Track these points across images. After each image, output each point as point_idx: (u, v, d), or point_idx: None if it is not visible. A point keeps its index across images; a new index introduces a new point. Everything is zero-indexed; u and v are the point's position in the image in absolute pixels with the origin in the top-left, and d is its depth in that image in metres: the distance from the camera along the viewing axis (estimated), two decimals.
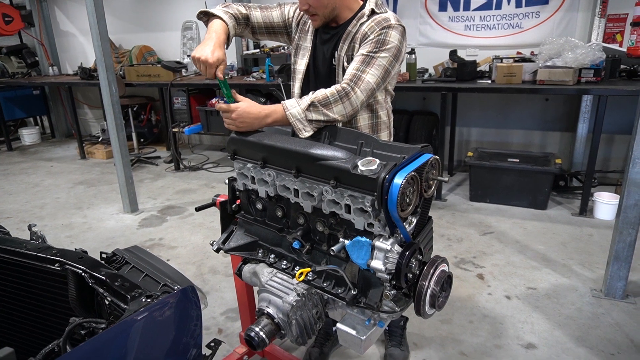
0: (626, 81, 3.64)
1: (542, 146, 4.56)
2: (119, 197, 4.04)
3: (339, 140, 1.39)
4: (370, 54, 1.46)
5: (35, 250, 1.27)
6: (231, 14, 1.55)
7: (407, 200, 1.14)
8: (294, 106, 1.39)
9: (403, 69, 4.23)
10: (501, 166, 3.80)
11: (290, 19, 1.70)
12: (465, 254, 3.04)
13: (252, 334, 1.30)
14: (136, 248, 1.38)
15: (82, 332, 1.06)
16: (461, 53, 4.34)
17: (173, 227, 3.63)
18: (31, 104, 6.78)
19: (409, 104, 4.91)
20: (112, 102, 3.66)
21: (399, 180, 1.09)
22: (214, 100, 4.88)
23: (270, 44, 5.31)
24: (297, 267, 1.40)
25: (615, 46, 3.91)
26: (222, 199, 1.62)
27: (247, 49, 5.53)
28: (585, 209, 3.59)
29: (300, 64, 1.69)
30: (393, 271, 1.15)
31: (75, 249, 1.30)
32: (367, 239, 1.17)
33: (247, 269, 1.52)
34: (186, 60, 5.42)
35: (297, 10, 1.68)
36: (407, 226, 1.19)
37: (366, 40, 1.50)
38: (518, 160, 3.87)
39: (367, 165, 1.13)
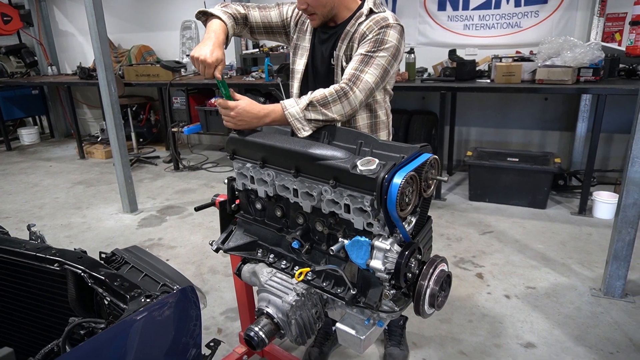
0: (625, 80, 3.64)
1: (541, 145, 4.56)
2: (118, 197, 4.04)
3: (338, 140, 1.39)
4: (369, 54, 1.46)
5: (34, 250, 1.27)
6: (230, 13, 1.55)
7: (407, 199, 1.14)
8: (293, 105, 1.39)
9: (402, 68, 4.23)
10: (500, 165, 3.80)
11: (289, 19, 1.70)
12: (464, 254, 3.04)
13: (252, 333, 1.30)
14: (135, 248, 1.37)
15: (82, 332, 1.06)
16: (460, 52, 4.33)
17: (172, 227, 3.63)
18: (30, 103, 6.77)
19: (408, 104, 4.91)
20: (111, 101, 3.66)
21: (398, 180, 1.09)
22: (213, 100, 4.87)
23: (270, 43, 5.31)
24: (297, 266, 1.40)
25: (614, 45, 3.91)
26: (222, 199, 1.62)
27: (246, 49, 5.53)
28: (585, 208, 3.59)
29: (299, 64, 1.69)
30: (392, 271, 1.15)
31: (75, 249, 1.30)
32: (367, 239, 1.17)
33: (247, 268, 1.52)
34: (185, 60, 5.41)
35: (296, 10, 1.68)
36: (406, 226, 1.19)
37: (365, 40, 1.50)
38: (517, 160, 3.87)
39: (367, 165, 1.13)
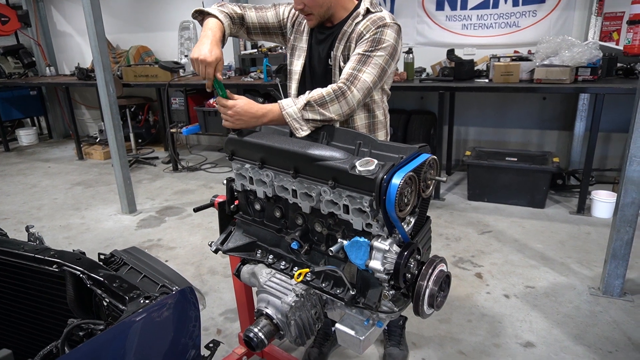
0: (623, 79, 3.65)
1: (539, 145, 4.57)
2: (117, 197, 4.03)
3: (337, 140, 1.39)
4: (367, 53, 1.46)
5: (33, 251, 1.26)
6: (226, 12, 1.55)
7: (405, 200, 1.14)
8: (290, 105, 1.39)
9: (401, 68, 4.23)
10: (499, 165, 3.81)
11: (285, 20, 1.69)
12: (463, 253, 3.05)
13: (251, 334, 1.30)
14: (134, 249, 1.37)
15: (81, 333, 1.06)
16: (459, 52, 4.33)
17: (171, 228, 3.62)
18: (28, 104, 6.76)
19: (407, 104, 4.91)
20: (109, 102, 3.65)
21: (397, 180, 1.09)
22: (211, 101, 4.88)
23: (268, 44, 5.31)
24: (296, 267, 1.40)
25: (611, 44, 3.92)
26: (221, 200, 1.62)
27: (245, 49, 5.53)
28: (583, 207, 3.60)
29: (296, 65, 1.69)
30: (391, 271, 1.15)
31: (73, 250, 1.30)
32: (366, 239, 1.17)
33: (246, 269, 1.52)
34: (184, 60, 5.41)
35: (292, 11, 1.68)
36: (405, 226, 1.19)
37: (362, 40, 1.50)
38: (516, 159, 3.88)
39: (365, 166, 1.13)
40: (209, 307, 2.52)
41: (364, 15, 1.55)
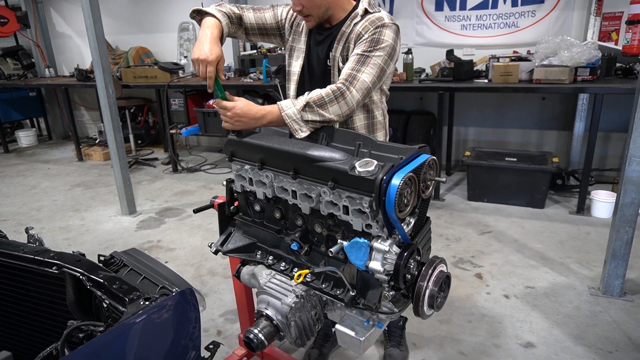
0: (622, 79, 3.65)
1: (539, 145, 4.57)
2: (116, 199, 4.03)
3: (336, 141, 1.39)
4: (365, 53, 1.46)
5: (32, 253, 1.26)
6: (224, 12, 1.55)
7: (405, 201, 1.14)
8: (290, 107, 1.39)
9: (400, 68, 4.24)
10: (499, 165, 3.81)
11: (283, 21, 1.69)
12: (463, 254, 3.05)
13: (251, 335, 1.30)
14: (134, 250, 1.37)
15: (80, 335, 1.06)
16: (458, 52, 4.34)
17: (171, 229, 3.62)
18: (27, 105, 6.76)
19: (406, 104, 4.92)
20: (109, 103, 3.65)
21: (396, 181, 1.09)
22: (211, 102, 4.87)
23: (268, 45, 5.31)
24: (296, 268, 1.40)
25: (610, 44, 3.92)
26: (220, 201, 1.62)
27: (244, 50, 5.53)
28: (583, 207, 3.60)
29: (295, 66, 1.69)
30: (391, 272, 1.15)
31: (73, 252, 1.30)
32: (366, 240, 1.17)
33: (246, 270, 1.52)
34: (183, 61, 5.41)
35: (290, 12, 1.68)
36: (405, 227, 1.19)
37: (361, 40, 1.50)
38: (515, 160, 3.88)
39: (365, 167, 1.13)
40: (209, 308, 2.51)
41: (363, 16, 1.55)
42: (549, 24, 4.21)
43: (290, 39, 1.70)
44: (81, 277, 1.17)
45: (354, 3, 1.60)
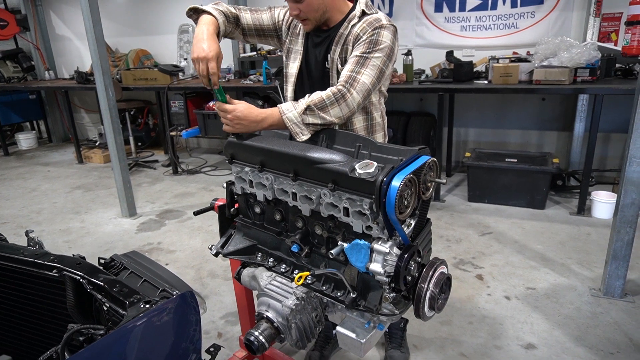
0: (621, 80, 3.65)
1: (539, 146, 4.57)
2: (116, 201, 4.03)
3: (336, 143, 1.39)
4: (364, 55, 1.46)
5: (32, 256, 1.26)
6: (221, 10, 1.54)
7: (405, 202, 1.14)
8: (291, 110, 1.39)
9: (400, 70, 4.24)
10: (499, 166, 3.81)
11: (281, 22, 1.69)
12: (464, 255, 3.04)
13: (252, 338, 1.30)
14: (134, 253, 1.37)
15: (81, 338, 1.06)
16: (457, 54, 4.35)
17: (171, 231, 3.62)
18: (27, 108, 6.76)
19: (406, 105, 4.92)
20: (109, 106, 3.65)
21: (396, 182, 1.09)
22: (211, 104, 4.88)
23: (268, 47, 5.31)
24: (296, 270, 1.40)
25: (610, 45, 3.93)
26: (221, 203, 1.62)
27: (244, 52, 5.53)
28: (583, 208, 3.60)
29: (292, 68, 1.69)
30: (392, 274, 1.15)
31: (73, 255, 1.30)
32: (366, 242, 1.17)
33: (246, 272, 1.51)
34: (183, 63, 5.42)
35: (288, 14, 1.68)
36: (405, 228, 1.19)
37: (359, 42, 1.50)
38: (516, 160, 3.88)
39: (365, 168, 1.13)
40: (210, 310, 2.51)
41: (360, 18, 1.55)
42: (548, 24, 4.22)
43: (287, 40, 1.70)
44: (81, 280, 1.17)
45: (351, 5, 1.60)
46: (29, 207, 4.28)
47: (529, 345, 2.17)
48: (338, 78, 1.51)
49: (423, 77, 4.41)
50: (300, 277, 1.34)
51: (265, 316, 1.34)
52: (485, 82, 3.84)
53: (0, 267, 1.29)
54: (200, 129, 4.95)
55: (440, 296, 1.20)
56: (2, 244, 1.41)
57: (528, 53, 4.13)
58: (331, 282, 1.33)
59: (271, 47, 5.23)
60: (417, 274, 1.19)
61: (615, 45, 3.94)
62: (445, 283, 1.22)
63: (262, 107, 1.44)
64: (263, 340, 1.30)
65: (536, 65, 3.57)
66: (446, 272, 1.23)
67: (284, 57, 1.73)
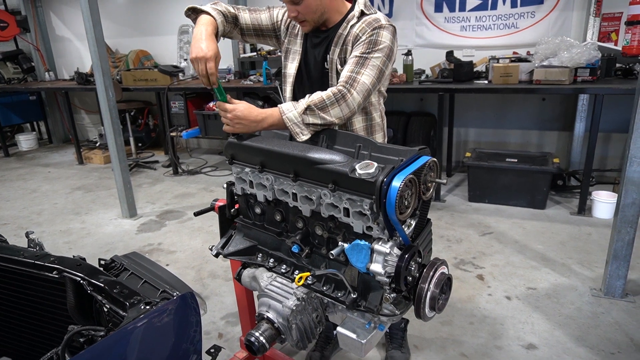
0: (622, 80, 3.65)
1: (539, 146, 4.57)
2: (117, 202, 4.03)
3: (336, 143, 1.39)
4: (364, 55, 1.46)
5: (32, 257, 1.26)
6: (219, 10, 1.54)
7: (406, 203, 1.14)
8: (291, 110, 1.39)
9: (400, 70, 4.24)
10: (499, 166, 3.80)
11: (279, 22, 1.69)
12: (464, 255, 3.04)
13: (252, 338, 1.30)
14: (135, 254, 1.37)
15: (81, 340, 1.06)
16: (457, 54, 4.35)
17: (172, 232, 3.62)
18: (28, 109, 6.76)
19: (406, 105, 4.92)
20: (109, 107, 3.65)
21: (397, 183, 1.09)
22: (211, 104, 4.88)
23: (268, 47, 5.31)
24: (297, 271, 1.40)
25: (610, 45, 3.92)
26: (221, 204, 1.62)
27: (244, 52, 5.53)
28: (584, 208, 3.59)
29: (291, 68, 1.69)
30: (392, 274, 1.15)
31: (74, 256, 1.30)
32: (366, 242, 1.17)
33: (247, 273, 1.51)
34: (183, 64, 5.42)
35: (286, 14, 1.68)
36: (406, 229, 1.19)
37: (358, 42, 1.50)
38: (516, 160, 3.88)
39: (365, 169, 1.13)
40: (210, 311, 2.51)
41: (359, 18, 1.55)
42: (548, 24, 4.21)
43: (285, 40, 1.70)
44: (82, 281, 1.17)
45: (349, 5, 1.60)
46: (30, 208, 4.28)
47: (529, 346, 2.16)
48: (337, 78, 1.51)
49: (423, 77, 4.41)
50: (300, 278, 1.33)
51: (265, 317, 1.34)
52: (486, 82, 3.84)
53: (0, 268, 1.29)
54: (200, 130, 4.95)
55: (441, 296, 1.20)
56: (3, 245, 1.41)
57: (528, 53, 4.13)
58: (332, 283, 1.33)
59: (271, 48, 5.21)
60: (417, 275, 1.18)
61: (616, 45, 3.94)
62: (445, 283, 1.22)
63: (262, 107, 1.44)
64: (264, 340, 1.30)
65: (536, 65, 3.57)
66: (447, 273, 1.23)
67: (282, 58, 1.73)
